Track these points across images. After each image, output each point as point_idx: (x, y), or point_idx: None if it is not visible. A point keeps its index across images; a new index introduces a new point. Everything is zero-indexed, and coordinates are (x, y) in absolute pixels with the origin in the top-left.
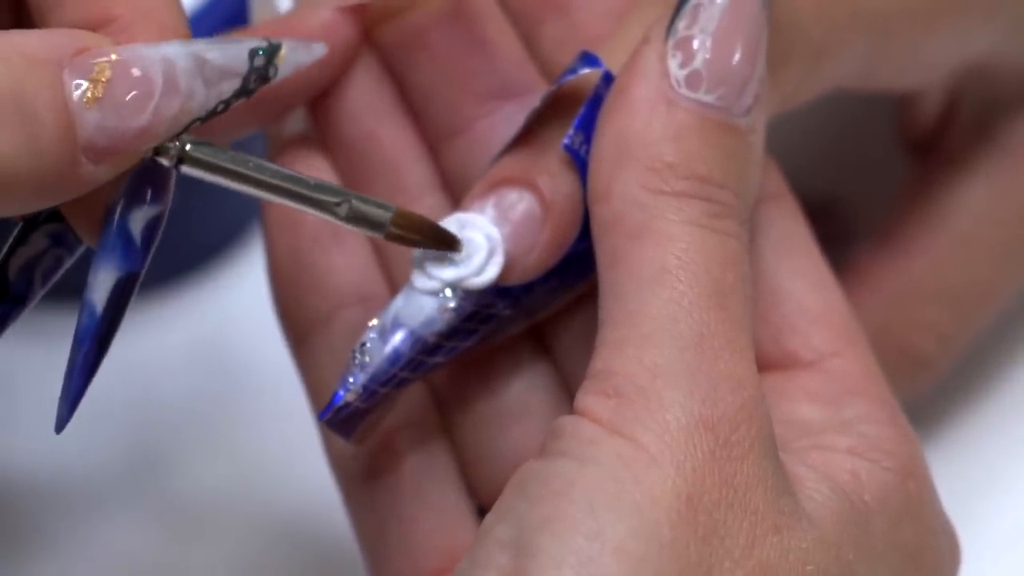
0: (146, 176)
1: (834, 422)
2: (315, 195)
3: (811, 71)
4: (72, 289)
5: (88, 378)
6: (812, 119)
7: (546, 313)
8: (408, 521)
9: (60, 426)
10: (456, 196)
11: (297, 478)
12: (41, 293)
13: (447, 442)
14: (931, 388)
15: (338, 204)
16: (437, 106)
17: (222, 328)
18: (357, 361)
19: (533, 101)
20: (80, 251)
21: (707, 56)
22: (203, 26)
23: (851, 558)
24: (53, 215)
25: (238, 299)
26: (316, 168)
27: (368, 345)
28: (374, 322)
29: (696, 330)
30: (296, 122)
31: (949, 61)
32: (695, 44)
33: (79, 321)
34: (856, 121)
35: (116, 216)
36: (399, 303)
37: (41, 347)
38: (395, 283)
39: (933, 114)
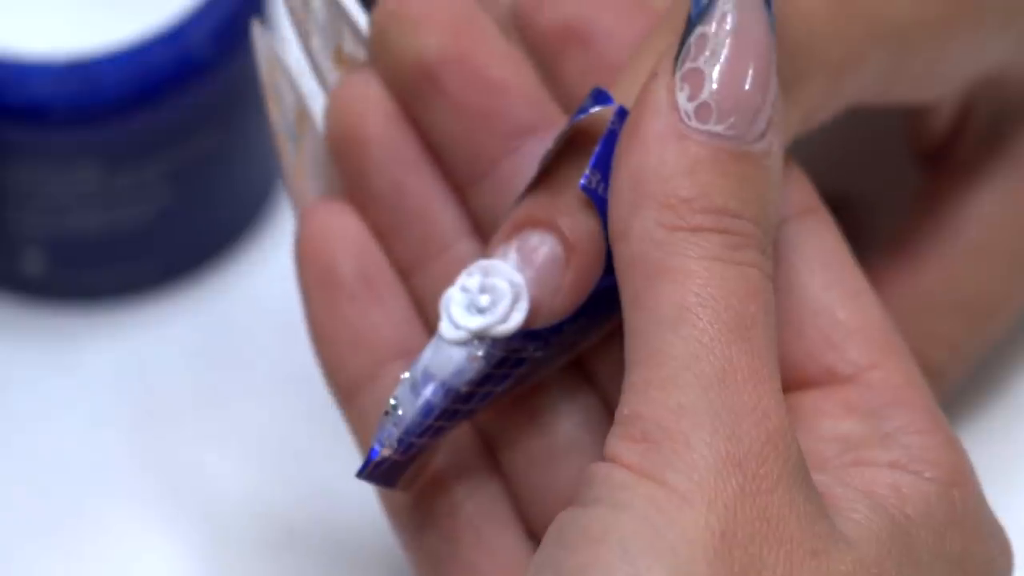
0: None
1: (875, 435)
2: None
3: (831, 89)
4: (72, 289)
5: None
6: (824, 129)
7: (580, 349)
8: (469, 567)
9: None
10: (486, 239)
11: (300, 477)
12: None
13: (500, 483)
14: (943, 399)
15: None
16: (459, 151)
17: (224, 327)
18: (390, 416)
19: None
20: None
21: (714, 87)
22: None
23: (893, 574)
24: None
25: (240, 298)
26: (352, 227)
27: (400, 399)
28: (405, 375)
29: (718, 366)
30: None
31: (964, 73)
32: (703, 75)
33: None
34: (867, 131)
35: None
36: (428, 355)
37: (41, 347)
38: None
39: (945, 125)
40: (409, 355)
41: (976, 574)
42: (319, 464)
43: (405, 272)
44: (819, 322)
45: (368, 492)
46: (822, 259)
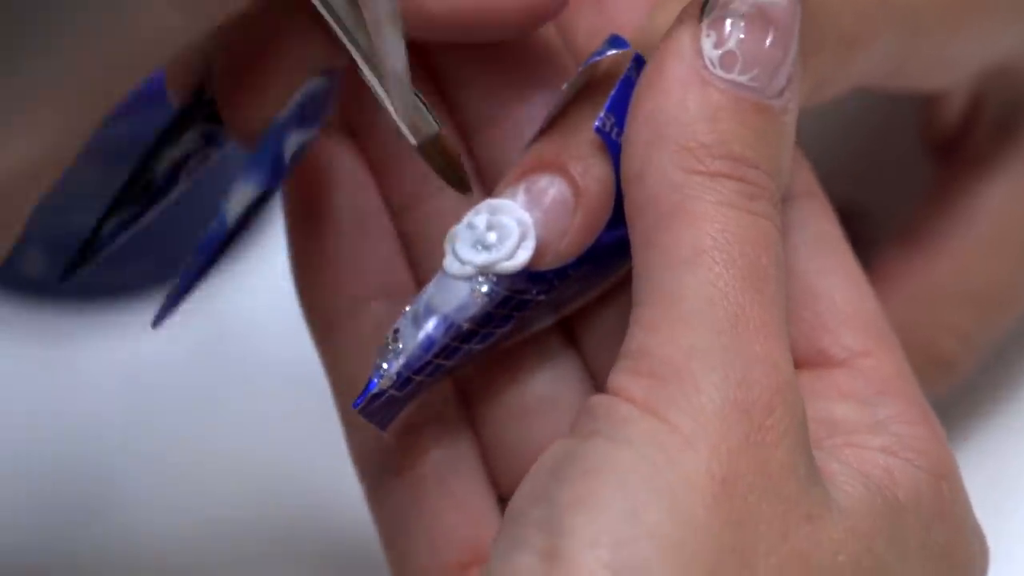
0: (314, 98)
1: (867, 421)
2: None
3: (842, 62)
4: (72, 289)
5: (198, 282)
6: (834, 122)
7: (577, 305)
8: (432, 515)
9: (156, 323)
10: (491, 187)
11: (302, 477)
12: (182, 189)
13: (471, 435)
14: (954, 389)
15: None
16: (471, 96)
17: (224, 327)
18: (390, 348)
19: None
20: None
21: (741, 36)
22: None
23: (882, 551)
24: (211, 115)
25: (240, 298)
26: (347, 160)
27: (401, 332)
28: (407, 309)
29: (732, 312)
30: None
31: (975, 61)
32: (729, 25)
33: (208, 228)
34: (879, 124)
35: (278, 134)
36: (431, 289)
37: (41, 347)
38: (420, 276)
39: (956, 116)
40: (392, 294)
41: (958, 568)
42: (319, 464)
43: (397, 209)
44: (815, 305)
45: None
46: (820, 243)
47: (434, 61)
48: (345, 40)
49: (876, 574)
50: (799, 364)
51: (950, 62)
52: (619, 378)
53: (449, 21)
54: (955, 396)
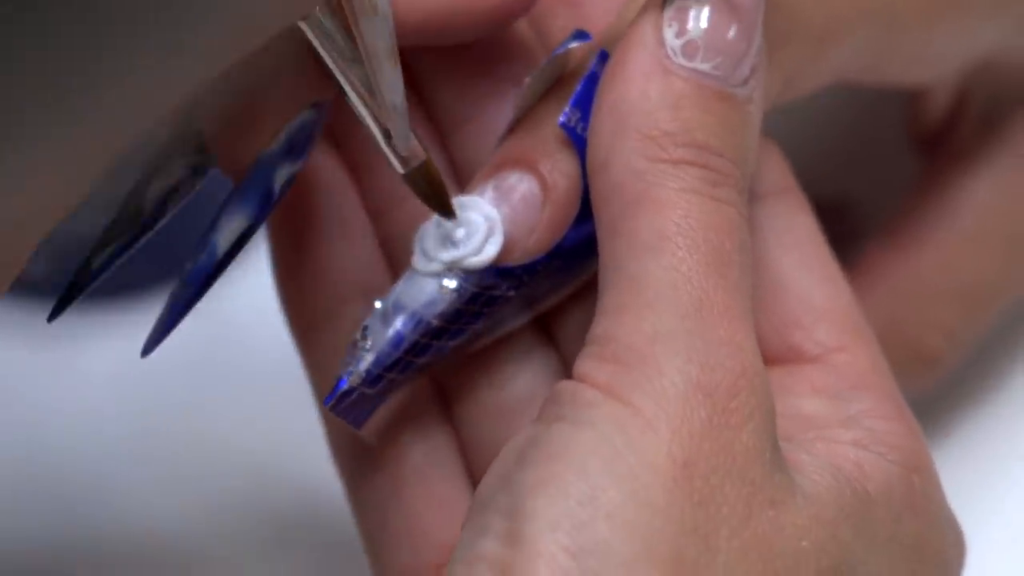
0: (302, 130)
1: (839, 416)
2: (384, 109)
3: (813, 56)
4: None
5: (185, 313)
6: (820, 118)
7: (550, 303)
8: (412, 515)
9: (146, 352)
10: (465, 185)
11: (303, 476)
12: (167, 219)
13: (451, 434)
14: (938, 384)
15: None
16: (445, 94)
17: (223, 327)
18: (359, 345)
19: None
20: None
21: (703, 26)
22: None
23: (848, 539)
24: (199, 147)
25: (240, 299)
26: (327, 164)
27: (370, 329)
28: (377, 304)
29: (695, 296)
30: None
31: (955, 56)
32: (691, 14)
33: (196, 259)
34: (864, 119)
35: (267, 166)
36: (400, 286)
37: (42, 347)
38: (399, 277)
39: (941, 111)
40: (372, 296)
41: (929, 561)
42: (319, 463)
43: (376, 211)
44: (789, 301)
45: None
46: (795, 239)
47: (408, 62)
48: (338, 73)
49: (841, 562)
50: (772, 360)
51: (930, 57)
52: (584, 364)
53: (422, 26)
54: (938, 391)
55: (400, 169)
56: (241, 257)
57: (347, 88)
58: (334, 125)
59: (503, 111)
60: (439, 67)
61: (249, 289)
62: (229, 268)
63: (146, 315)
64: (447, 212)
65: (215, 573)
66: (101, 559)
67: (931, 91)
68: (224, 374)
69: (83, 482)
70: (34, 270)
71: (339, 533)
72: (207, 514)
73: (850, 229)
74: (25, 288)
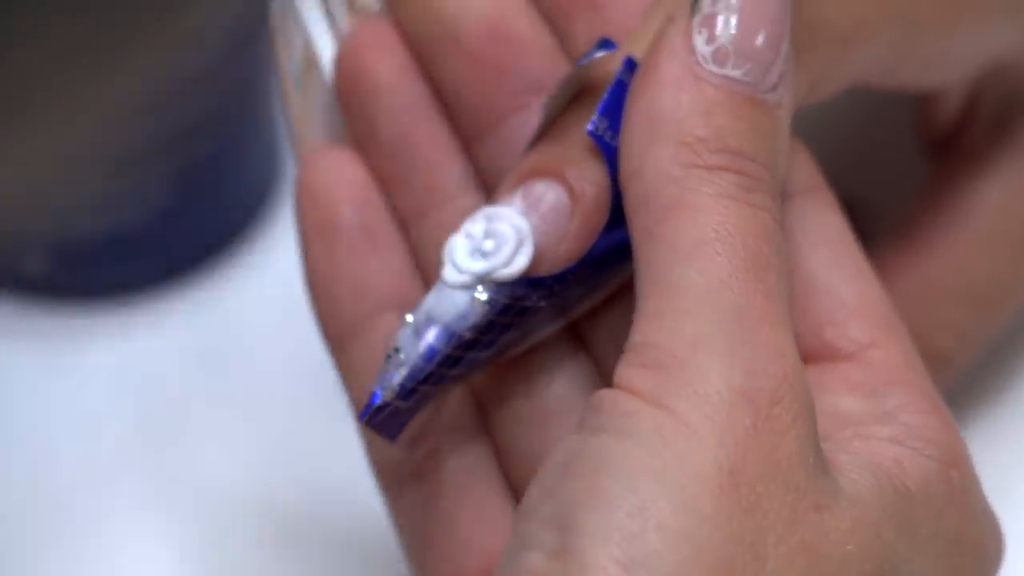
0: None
1: (875, 412)
2: None
3: (837, 59)
4: (72, 289)
5: None
6: (831, 120)
7: (582, 310)
8: (453, 524)
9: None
10: (491, 194)
11: (301, 476)
12: None
13: (488, 443)
14: (950, 385)
15: None
16: (470, 103)
17: (224, 327)
18: (392, 360)
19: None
20: None
21: (733, 32)
22: None
23: (892, 539)
24: None
25: (240, 298)
26: (355, 175)
27: (402, 343)
28: (409, 318)
29: (735, 302)
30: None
31: (972, 59)
32: (720, 21)
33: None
34: (875, 122)
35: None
36: (431, 299)
37: (41, 347)
38: (431, 287)
39: (953, 113)
40: (404, 306)
41: (970, 555)
42: (320, 463)
43: (406, 222)
44: (821, 299)
45: (370, 490)
46: (825, 237)
47: (431, 68)
48: None
49: (884, 561)
50: (806, 359)
51: (947, 60)
52: (624, 371)
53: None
54: (949, 392)
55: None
56: (243, 256)
57: None
58: (359, 136)
59: (528, 119)
60: (462, 76)
61: (250, 289)
62: (229, 268)
63: (146, 315)
64: None
65: (217, 573)
66: (101, 559)
67: (943, 94)
68: (225, 374)
69: (82, 481)
70: (34, 270)
71: (346, 532)
72: (209, 514)
73: (861, 231)
74: (25, 288)
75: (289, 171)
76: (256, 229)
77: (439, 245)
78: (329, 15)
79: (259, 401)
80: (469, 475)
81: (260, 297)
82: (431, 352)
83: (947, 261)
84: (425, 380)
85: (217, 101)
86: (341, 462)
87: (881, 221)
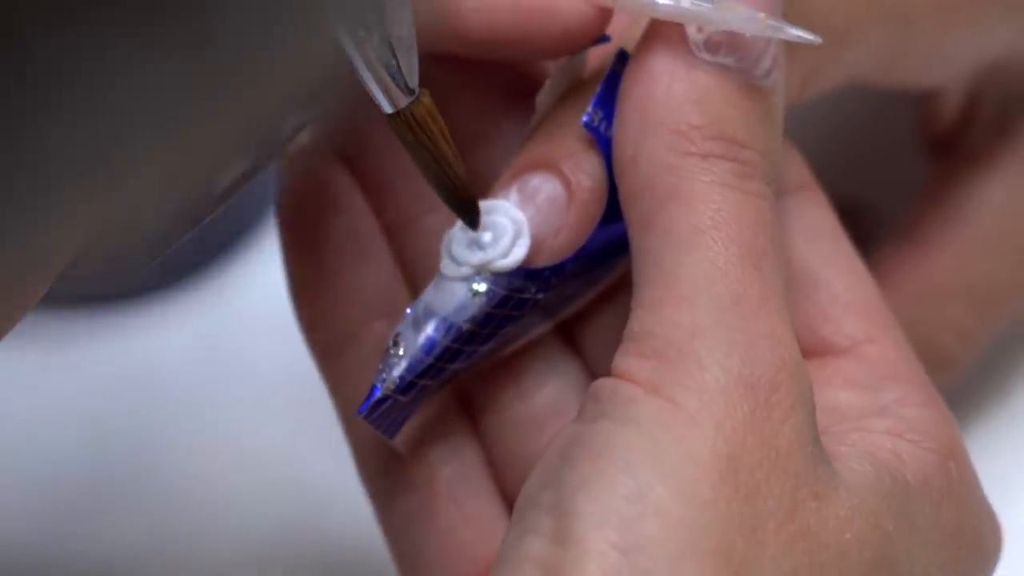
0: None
1: (873, 407)
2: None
3: (831, 55)
4: (72, 289)
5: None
6: (832, 120)
7: (577, 305)
8: (445, 532)
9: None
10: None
11: (301, 478)
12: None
13: (478, 448)
14: (953, 384)
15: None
16: (464, 113)
17: (224, 327)
18: (392, 353)
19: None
20: None
21: None
22: None
23: (890, 528)
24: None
25: (240, 298)
26: (341, 183)
27: (402, 336)
28: (408, 313)
29: (732, 290)
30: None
31: (969, 57)
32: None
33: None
34: (876, 122)
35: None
36: (430, 292)
37: (41, 347)
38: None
39: (953, 113)
40: (392, 315)
41: (968, 547)
42: (319, 463)
43: (393, 228)
44: (816, 295)
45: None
46: (818, 234)
47: (426, 74)
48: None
49: (883, 552)
50: (802, 354)
51: (944, 59)
52: (623, 360)
53: (486, 38)
54: (951, 392)
55: (388, 108)
56: (243, 255)
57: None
58: (346, 144)
59: (523, 120)
60: (457, 83)
61: (251, 288)
62: (229, 268)
63: (146, 315)
64: (447, 162)
65: (216, 573)
66: (102, 559)
67: (943, 93)
68: (225, 374)
69: (84, 482)
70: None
71: (346, 532)
72: (209, 514)
73: (862, 231)
74: None
75: None
76: (256, 229)
77: (427, 253)
78: None
79: (259, 401)
80: (461, 482)
81: (260, 297)
82: (430, 344)
83: (949, 261)
84: (424, 373)
85: None
86: (341, 462)
87: (882, 221)
